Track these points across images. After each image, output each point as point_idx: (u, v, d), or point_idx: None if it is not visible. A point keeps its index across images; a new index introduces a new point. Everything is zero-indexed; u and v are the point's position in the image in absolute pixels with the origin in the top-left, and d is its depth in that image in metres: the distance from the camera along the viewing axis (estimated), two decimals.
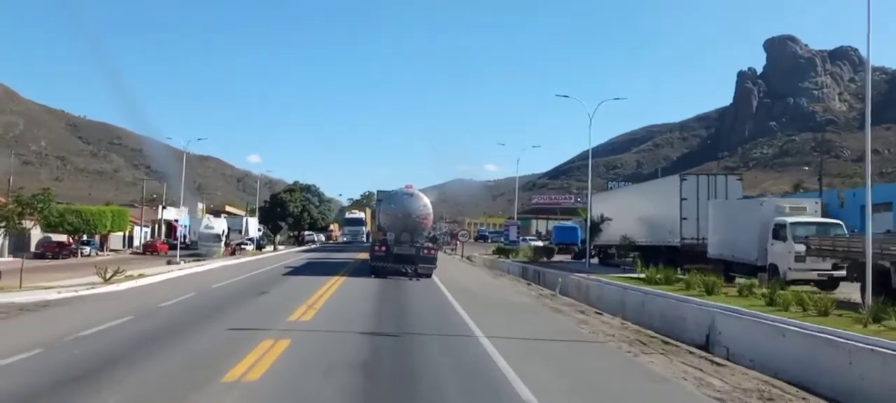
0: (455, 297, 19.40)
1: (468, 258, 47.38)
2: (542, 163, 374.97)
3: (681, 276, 20.81)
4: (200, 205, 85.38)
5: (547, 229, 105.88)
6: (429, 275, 26.36)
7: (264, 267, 34.94)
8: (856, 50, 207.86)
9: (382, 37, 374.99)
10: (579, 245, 44.24)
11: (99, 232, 54.07)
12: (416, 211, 27.55)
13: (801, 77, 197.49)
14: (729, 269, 23.43)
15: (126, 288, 21.09)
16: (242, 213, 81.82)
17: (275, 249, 62.87)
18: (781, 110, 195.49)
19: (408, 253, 26.50)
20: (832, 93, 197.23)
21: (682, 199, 28.00)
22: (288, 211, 70.75)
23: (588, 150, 38.14)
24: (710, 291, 17.42)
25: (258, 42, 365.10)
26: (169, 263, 41.35)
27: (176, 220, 70.41)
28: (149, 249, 58.72)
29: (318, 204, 76.37)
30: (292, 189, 76.35)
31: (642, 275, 23.19)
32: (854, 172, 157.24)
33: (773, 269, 20.65)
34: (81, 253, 51.47)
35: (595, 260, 38.98)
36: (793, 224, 20.88)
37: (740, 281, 20.26)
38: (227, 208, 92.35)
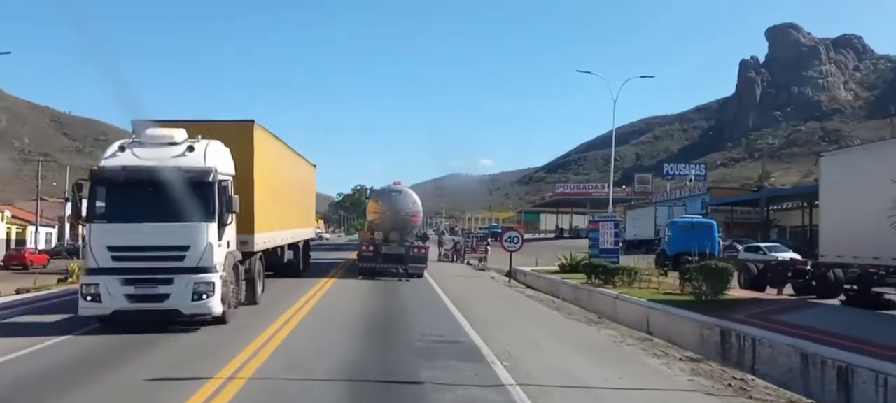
0: None
1: (507, 275, 24.99)
2: (537, 157, 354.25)
3: None
4: None
5: (571, 224, 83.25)
6: (419, 275, 22.89)
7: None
8: (860, 38, 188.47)
9: (376, 30, 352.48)
10: (721, 253, 22.50)
11: None
12: (405, 208, 24.14)
13: (805, 66, 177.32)
14: None
15: None
16: None
17: None
18: (786, 100, 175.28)
19: (396, 253, 23.09)
20: (837, 81, 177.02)
21: None
22: None
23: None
24: None
25: (249, 34, 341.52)
26: None
27: None
28: (13, 261, 35.74)
29: None
30: None
31: None
32: None
33: None
34: None
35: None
36: None
37: None
38: None
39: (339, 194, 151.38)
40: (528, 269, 26.97)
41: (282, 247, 18.40)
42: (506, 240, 23.94)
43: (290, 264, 20.44)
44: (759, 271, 19.18)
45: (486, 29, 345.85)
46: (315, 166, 25.75)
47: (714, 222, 23.99)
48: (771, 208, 48.38)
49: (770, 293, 19.08)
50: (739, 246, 24.64)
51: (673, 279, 19.22)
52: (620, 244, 22.50)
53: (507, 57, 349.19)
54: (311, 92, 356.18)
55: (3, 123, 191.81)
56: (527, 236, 73.19)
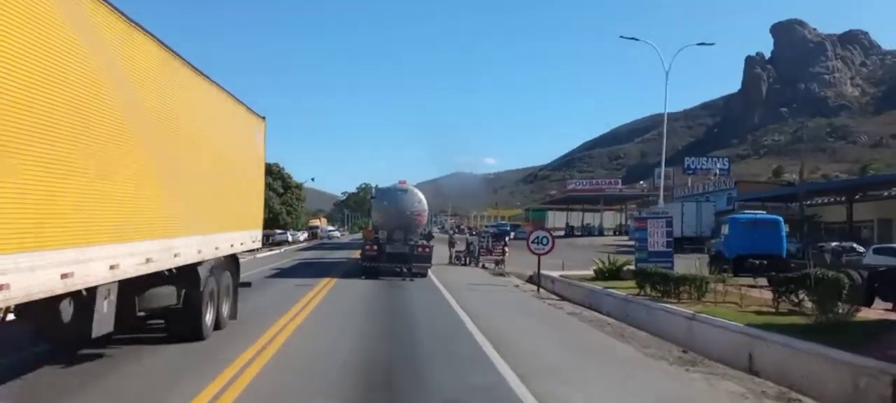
0: None
1: (535, 284, 20.65)
2: (540, 156, 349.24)
3: None
4: None
5: (583, 222, 78.57)
6: (423, 275, 22.06)
7: None
8: (866, 33, 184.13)
9: (378, 29, 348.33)
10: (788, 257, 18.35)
11: None
12: (409, 207, 23.46)
13: (811, 62, 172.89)
14: None
15: None
16: None
17: None
18: (792, 96, 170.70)
19: (401, 252, 22.32)
20: (844, 77, 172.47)
21: None
22: None
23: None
24: None
25: (249, 35, 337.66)
26: None
27: None
28: None
29: (281, 190, 48.45)
30: None
31: None
32: (872, 158, 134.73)
33: None
34: None
35: None
36: None
37: None
38: None
39: (343, 193, 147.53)
40: (556, 274, 22.60)
41: (92, 293, 6.34)
42: (533, 242, 19.51)
43: (171, 318, 8.95)
44: (864, 280, 14.83)
45: (488, 28, 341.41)
46: (264, 119, 12.80)
47: (780, 218, 19.63)
48: (804, 203, 43.96)
49: (880, 308, 14.69)
50: (863, 248, 20.14)
51: (759, 291, 14.85)
52: (668, 241, 18.00)
53: (509, 56, 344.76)
54: (315, 90, 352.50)
55: None
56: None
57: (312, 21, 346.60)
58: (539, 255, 19.67)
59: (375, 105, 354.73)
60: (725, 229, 20.11)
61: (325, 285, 19.07)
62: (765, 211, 25.51)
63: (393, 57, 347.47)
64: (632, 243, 50.54)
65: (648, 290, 16.02)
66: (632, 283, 17.88)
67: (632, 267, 19.78)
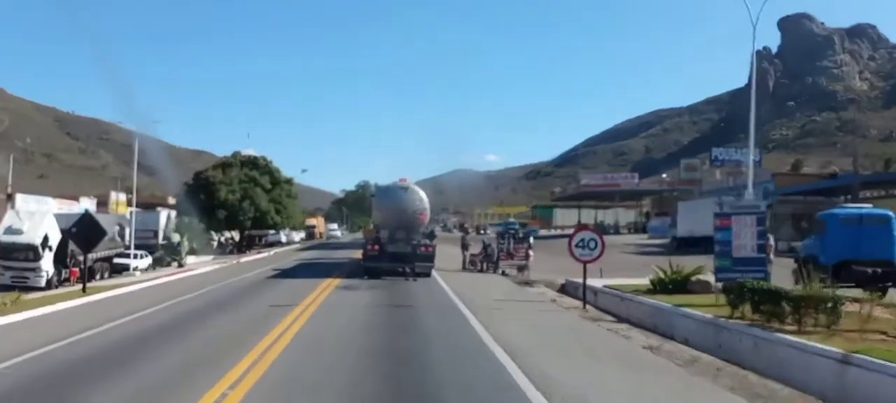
0: None
1: (581, 300, 16.35)
2: (542, 153, 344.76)
3: None
4: (116, 197, 54.10)
5: (596, 220, 74.06)
6: (427, 275, 21.61)
7: None
8: (874, 27, 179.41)
9: (377, 25, 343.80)
10: None
11: None
12: (411, 206, 23.07)
13: (819, 56, 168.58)
14: None
15: None
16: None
17: (182, 265, 31.36)
18: (800, 90, 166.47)
19: (403, 251, 21.94)
20: (852, 71, 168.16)
21: None
22: (218, 200, 38.87)
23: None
24: None
25: (253, 34, 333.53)
26: None
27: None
28: None
29: (269, 186, 43.81)
30: (227, 163, 43.51)
31: None
32: (884, 152, 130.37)
33: None
34: None
35: None
36: None
37: None
38: (171, 199, 61.00)
39: (342, 191, 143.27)
40: (599, 284, 18.25)
41: None
42: (577, 246, 15.19)
43: None
44: None
45: (486, 24, 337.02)
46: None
47: (891, 213, 15.43)
48: (846, 197, 39.69)
49: None
50: None
51: None
52: (768, 252, 13.77)
53: (510, 53, 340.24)
54: (313, 88, 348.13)
55: (6, 124, 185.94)
56: (542, 233, 63.43)
57: (307, 15, 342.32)
58: (585, 263, 15.34)
59: (372, 99, 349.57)
60: (822, 228, 15.78)
61: (326, 286, 17.45)
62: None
63: (389, 50, 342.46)
64: (656, 243, 46.25)
65: (746, 312, 11.71)
66: (710, 299, 13.63)
67: (701, 277, 15.51)
